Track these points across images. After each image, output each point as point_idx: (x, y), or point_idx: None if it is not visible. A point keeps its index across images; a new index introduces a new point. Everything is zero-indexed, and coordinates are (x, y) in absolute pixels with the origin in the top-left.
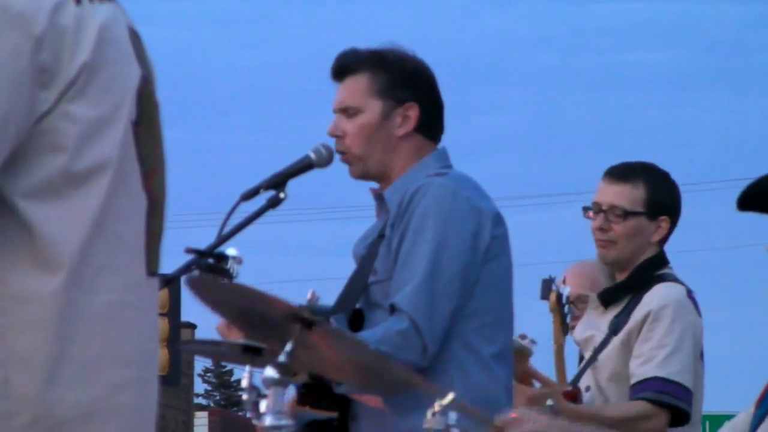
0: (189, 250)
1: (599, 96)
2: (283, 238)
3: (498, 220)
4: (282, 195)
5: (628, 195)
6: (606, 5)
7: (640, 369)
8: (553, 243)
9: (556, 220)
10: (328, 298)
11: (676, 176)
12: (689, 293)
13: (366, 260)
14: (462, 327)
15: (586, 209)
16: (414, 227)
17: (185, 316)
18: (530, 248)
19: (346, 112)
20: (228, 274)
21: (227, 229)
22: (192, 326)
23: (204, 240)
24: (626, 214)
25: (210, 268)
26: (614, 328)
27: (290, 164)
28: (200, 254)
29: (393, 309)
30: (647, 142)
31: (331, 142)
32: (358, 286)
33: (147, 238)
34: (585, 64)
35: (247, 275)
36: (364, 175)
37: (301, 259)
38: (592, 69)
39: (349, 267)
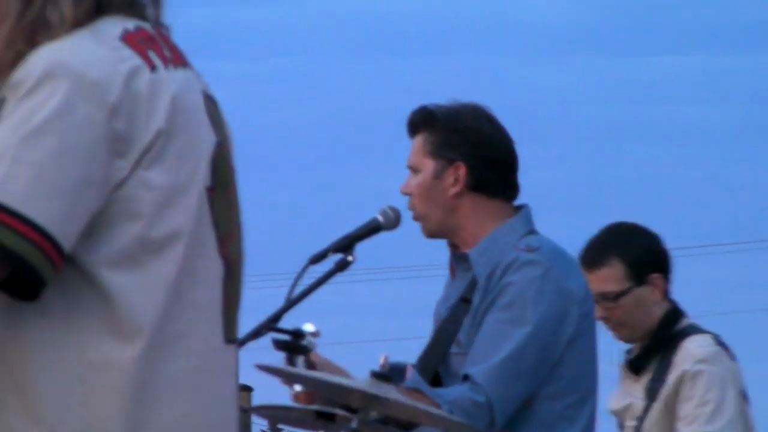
0: (268, 326)
1: (649, 150)
2: (352, 298)
3: (586, 298)
4: (350, 258)
5: (610, 277)
6: (655, 59)
7: (688, 429)
8: None
9: None
10: (399, 357)
11: (728, 232)
12: (717, 340)
13: (448, 324)
14: (547, 410)
15: None
16: (502, 304)
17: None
18: None
19: (412, 170)
20: (305, 350)
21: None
22: (248, 389)
23: (264, 301)
24: (617, 296)
25: (287, 345)
26: (651, 395)
27: (358, 227)
28: (278, 331)
29: (468, 378)
30: (699, 196)
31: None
32: (439, 351)
33: (224, 304)
34: (634, 117)
35: (330, 336)
36: (432, 234)
37: (370, 319)
38: (642, 122)
39: (419, 327)
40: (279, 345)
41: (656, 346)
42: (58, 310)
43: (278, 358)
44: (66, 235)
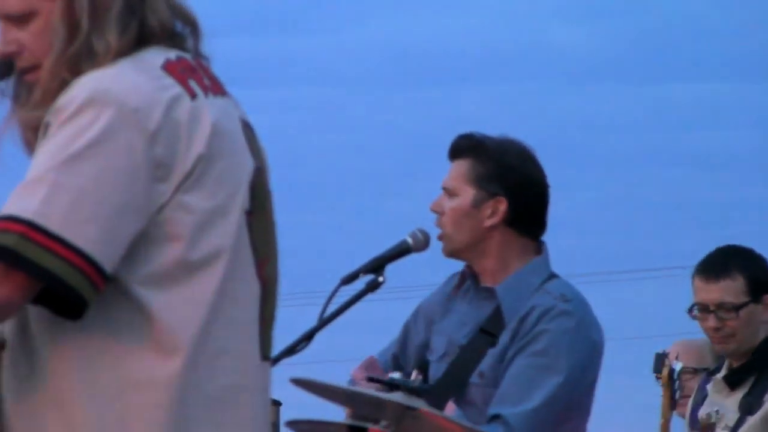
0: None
1: (675, 173)
2: (382, 316)
3: (603, 345)
4: (381, 279)
5: (731, 290)
6: (678, 85)
7: None
8: (663, 316)
9: (666, 294)
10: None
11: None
12: None
13: (467, 353)
14: None
15: (690, 310)
16: (535, 350)
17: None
18: (640, 322)
19: (447, 192)
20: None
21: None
22: (277, 403)
23: (297, 319)
24: (736, 308)
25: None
26: (748, 409)
27: (388, 249)
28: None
29: (499, 418)
30: (723, 218)
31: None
32: (458, 379)
33: (260, 322)
34: (660, 142)
35: (350, 353)
36: (452, 254)
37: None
38: (667, 147)
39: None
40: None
41: (757, 364)
42: (98, 328)
43: (312, 372)
44: (107, 258)
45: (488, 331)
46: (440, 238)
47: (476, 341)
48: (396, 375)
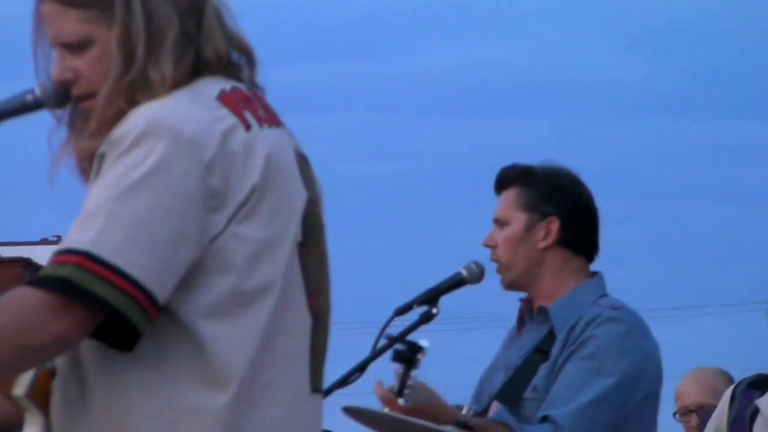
0: (387, 337)
1: (723, 209)
2: (435, 347)
3: (659, 361)
4: (434, 311)
5: None
6: (735, 122)
7: None
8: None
9: (736, 328)
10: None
11: None
12: None
13: (522, 371)
14: None
15: None
16: (584, 354)
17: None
18: (712, 353)
19: (498, 223)
20: (418, 364)
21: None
22: None
23: (354, 350)
24: None
25: (404, 356)
26: None
27: (442, 280)
28: (394, 340)
29: (547, 419)
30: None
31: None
32: (513, 395)
33: (311, 354)
34: (713, 178)
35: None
36: (511, 285)
37: (451, 368)
38: (716, 184)
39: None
40: (397, 356)
41: None
42: (151, 358)
43: (366, 401)
44: (160, 287)
45: (542, 350)
46: (498, 271)
47: (530, 360)
48: (425, 342)
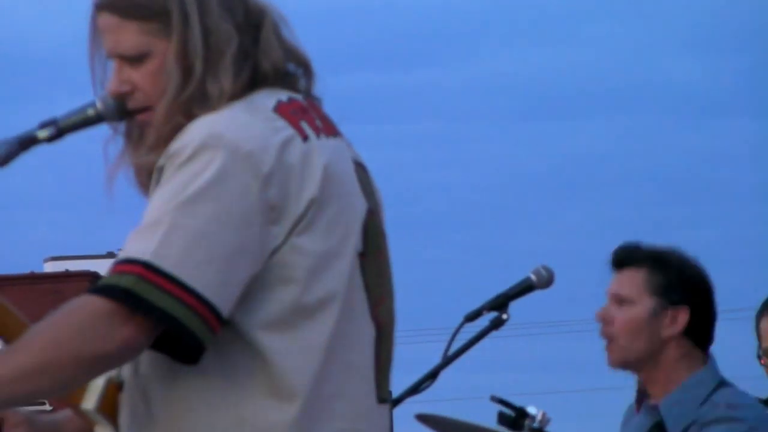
0: (494, 399)
1: None
2: (507, 354)
3: None
4: (504, 316)
5: None
6: None
7: None
8: None
9: None
10: (553, 412)
11: None
12: None
13: None
14: None
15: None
16: None
17: None
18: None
19: (618, 300)
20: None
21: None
22: None
23: (420, 357)
24: None
25: (511, 421)
26: None
27: (512, 286)
28: (503, 404)
29: None
30: None
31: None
32: None
33: (376, 365)
34: None
35: (475, 391)
36: (623, 365)
37: (523, 374)
38: None
39: (571, 381)
40: (503, 420)
41: None
42: (215, 372)
43: (436, 411)
44: (223, 300)
45: None
46: (609, 348)
47: None
48: (533, 408)
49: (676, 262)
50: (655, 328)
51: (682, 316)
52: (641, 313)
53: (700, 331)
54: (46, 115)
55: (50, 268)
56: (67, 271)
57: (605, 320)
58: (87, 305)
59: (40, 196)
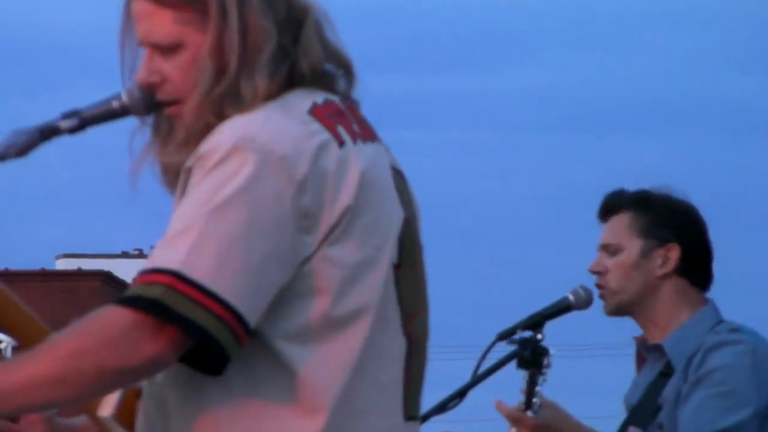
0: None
1: None
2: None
3: None
4: (539, 336)
5: None
6: None
7: None
8: None
9: None
10: None
11: None
12: None
13: (637, 411)
14: None
15: None
16: (712, 382)
17: None
18: None
19: (608, 249)
20: (541, 369)
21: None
22: None
23: (451, 373)
24: None
25: (525, 360)
26: None
27: (548, 306)
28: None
29: None
30: None
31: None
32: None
33: (405, 381)
34: None
35: None
36: (617, 310)
37: (555, 396)
38: None
39: (605, 406)
40: (521, 361)
41: None
42: (239, 384)
43: (465, 428)
44: (251, 311)
45: (658, 384)
46: (602, 296)
47: (650, 395)
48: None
49: (660, 200)
50: (647, 269)
51: (674, 254)
52: (631, 256)
53: (695, 268)
54: (67, 106)
55: (62, 265)
56: (79, 269)
57: (598, 271)
58: (113, 316)
59: (56, 192)
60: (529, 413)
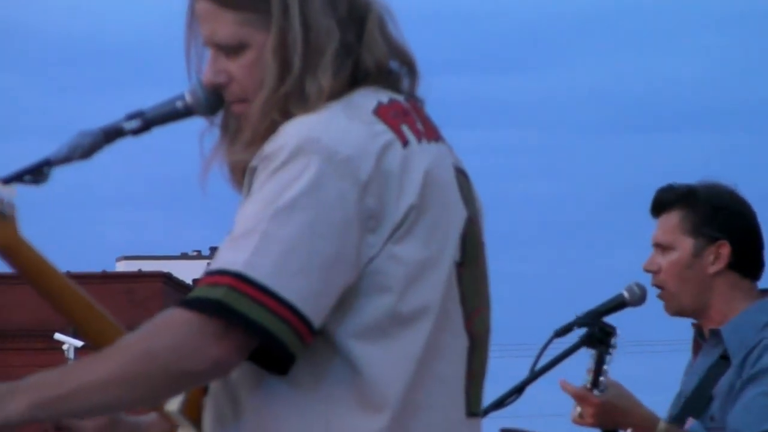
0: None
1: None
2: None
3: None
4: (595, 332)
5: None
6: None
7: None
8: None
9: None
10: None
11: None
12: None
13: (692, 400)
14: None
15: None
16: (765, 381)
17: None
18: None
19: (661, 247)
20: (609, 348)
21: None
22: None
23: (508, 371)
24: None
25: (593, 338)
26: None
27: (603, 302)
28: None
29: None
30: None
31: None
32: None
33: (467, 377)
34: None
35: (561, 408)
36: (679, 312)
37: None
38: None
39: (660, 402)
40: (588, 339)
41: None
42: (305, 381)
43: (523, 423)
44: (316, 312)
45: (714, 372)
46: (661, 297)
47: (705, 384)
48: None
49: (706, 198)
50: (699, 267)
51: (724, 250)
52: (683, 256)
53: (746, 262)
54: (130, 108)
55: (123, 267)
56: (139, 271)
57: (653, 270)
58: (179, 319)
59: (117, 194)
60: (596, 392)
